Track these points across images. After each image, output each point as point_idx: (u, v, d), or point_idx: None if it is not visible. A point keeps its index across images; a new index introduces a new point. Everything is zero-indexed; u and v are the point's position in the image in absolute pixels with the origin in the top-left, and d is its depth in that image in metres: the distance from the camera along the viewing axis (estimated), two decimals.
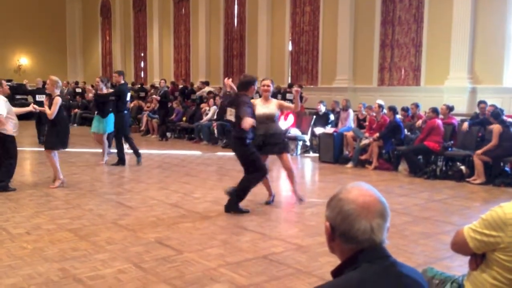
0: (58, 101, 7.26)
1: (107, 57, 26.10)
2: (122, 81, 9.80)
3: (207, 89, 16.58)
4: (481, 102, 9.58)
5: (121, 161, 9.57)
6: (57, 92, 7.44)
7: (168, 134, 14.87)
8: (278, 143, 6.39)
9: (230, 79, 6.61)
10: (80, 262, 4.26)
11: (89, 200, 6.68)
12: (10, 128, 7.07)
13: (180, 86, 18.01)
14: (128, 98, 10.29)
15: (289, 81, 15.52)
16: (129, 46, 24.34)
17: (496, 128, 8.11)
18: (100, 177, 8.47)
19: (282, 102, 7.13)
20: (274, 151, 6.43)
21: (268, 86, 6.41)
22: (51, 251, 4.57)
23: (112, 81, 10.90)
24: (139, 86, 19.62)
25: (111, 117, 9.59)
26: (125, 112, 9.70)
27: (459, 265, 4.11)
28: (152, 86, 18.05)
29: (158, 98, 14.56)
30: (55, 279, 3.89)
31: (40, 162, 9.98)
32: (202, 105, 14.84)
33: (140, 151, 11.21)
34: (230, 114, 6.03)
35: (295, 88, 6.98)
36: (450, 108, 9.39)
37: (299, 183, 8.75)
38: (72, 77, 25.28)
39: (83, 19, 27.72)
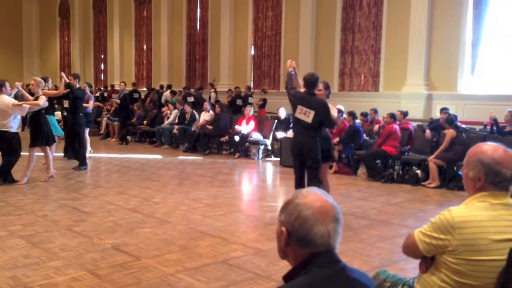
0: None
1: (66, 58, 25.47)
2: (77, 85, 9.66)
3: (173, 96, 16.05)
4: (443, 109, 9.58)
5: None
6: (40, 92, 8.07)
7: (129, 138, 14.62)
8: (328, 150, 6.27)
9: (294, 61, 6.25)
10: (32, 270, 4.12)
11: (43, 206, 6.48)
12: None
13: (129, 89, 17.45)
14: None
15: (251, 86, 15.58)
16: (88, 47, 23.82)
17: (449, 132, 8.40)
18: (56, 182, 8.21)
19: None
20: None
21: (320, 90, 6.03)
22: (2, 258, 4.40)
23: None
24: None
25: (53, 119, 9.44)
26: (80, 114, 9.64)
27: (413, 267, 4.21)
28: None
29: (118, 101, 14.30)
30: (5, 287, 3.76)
31: None
32: (163, 108, 14.68)
33: (100, 155, 11.06)
34: (300, 112, 5.74)
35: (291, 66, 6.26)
36: (405, 114, 9.66)
37: (260, 187, 8.81)
38: (28, 79, 24.43)
39: (40, 19, 26.95)
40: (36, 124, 8.00)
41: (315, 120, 5.68)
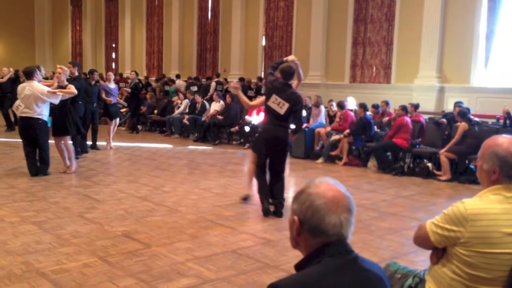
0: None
1: (77, 47, 25.53)
2: (77, 73, 9.54)
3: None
4: (457, 103, 9.52)
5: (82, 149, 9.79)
6: (65, 81, 7.98)
7: (139, 127, 14.68)
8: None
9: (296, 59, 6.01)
10: (44, 256, 4.18)
11: (55, 193, 6.54)
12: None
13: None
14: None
15: (262, 76, 15.52)
16: (100, 36, 23.87)
17: (461, 125, 8.32)
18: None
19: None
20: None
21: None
22: (14, 244, 4.47)
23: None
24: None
25: None
26: (80, 102, 9.34)
27: (423, 260, 4.20)
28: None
29: (129, 90, 14.34)
30: (18, 272, 3.81)
31: (2, 153, 9.73)
32: (174, 98, 14.70)
33: (111, 143, 11.06)
34: (274, 102, 5.63)
35: (292, 60, 6.01)
36: (416, 106, 9.58)
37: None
38: None
39: (52, 8, 26.99)
40: (67, 113, 7.95)
41: (287, 112, 5.66)
